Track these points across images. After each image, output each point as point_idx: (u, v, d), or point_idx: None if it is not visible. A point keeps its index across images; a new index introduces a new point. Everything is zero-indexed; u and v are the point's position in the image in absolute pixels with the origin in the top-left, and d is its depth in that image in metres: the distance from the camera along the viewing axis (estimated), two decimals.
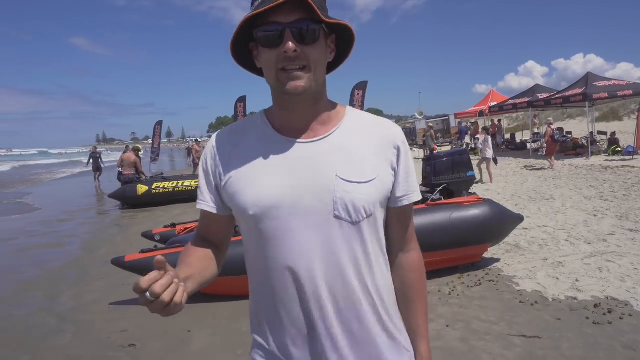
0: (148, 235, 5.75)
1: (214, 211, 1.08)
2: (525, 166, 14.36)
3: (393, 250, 1.13)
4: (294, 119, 1.03)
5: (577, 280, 4.26)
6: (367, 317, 1.01)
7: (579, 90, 15.70)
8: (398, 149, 1.07)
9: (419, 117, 32.00)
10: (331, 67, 1.07)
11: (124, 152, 12.61)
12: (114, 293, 4.79)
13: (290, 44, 0.93)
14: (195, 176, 12.56)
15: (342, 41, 1.04)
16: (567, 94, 16.41)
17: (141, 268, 4.23)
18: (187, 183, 11.71)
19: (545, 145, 13.94)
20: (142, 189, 11.34)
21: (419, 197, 1.11)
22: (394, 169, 1.06)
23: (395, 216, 1.11)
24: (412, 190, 1.09)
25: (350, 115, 1.08)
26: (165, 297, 0.79)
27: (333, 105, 1.08)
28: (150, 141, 20.33)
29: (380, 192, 1.02)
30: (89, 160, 19.12)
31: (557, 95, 17.19)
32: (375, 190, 1.01)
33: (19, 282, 5.51)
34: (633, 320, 3.39)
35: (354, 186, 0.98)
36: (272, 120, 1.06)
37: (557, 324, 3.42)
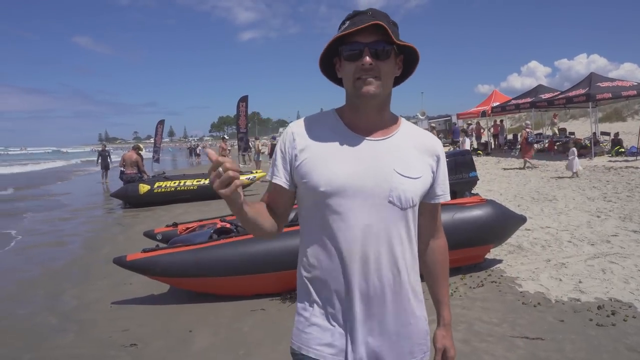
0: (150, 235, 5.76)
1: (285, 186, 1.30)
2: (504, 168, 14.54)
3: (426, 237, 1.41)
4: (363, 120, 1.27)
5: (580, 282, 4.24)
6: (402, 285, 1.25)
7: (582, 91, 15.64)
8: (438, 158, 1.34)
9: (422, 117, 31.97)
10: (398, 81, 1.32)
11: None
12: (116, 292, 4.80)
13: (368, 58, 1.18)
14: (196, 176, 12.57)
15: (408, 60, 1.29)
16: (570, 94, 16.35)
17: (143, 267, 4.24)
18: (189, 182, 11.72)
19: (519, 146, 14.87)
20: (144, 188, 11.35)
21: (449, 199, 1.40)
22: (433, 172, 1.32)
23: (431, 210, 1.38)
24: (447, 191, 1.38)
25: (404, 125, 1.35)
26: (231, 173, 1.01)
27: (393, 115, 1.34)
28: (152, 140, 20.39)
29: (422, 188, 1.29)
30: (98, 158, 19.23)
31: (560, 96, 17.13)
32: (421, 185, 1.28)
33: (22, 281, 5.52)
34: (637, 322, 3.37)
35: (406, 180, 1.24)
36: (344, 118, 1.30)
37: (560, 326, 3.41)
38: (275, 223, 1.31)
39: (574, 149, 11.95)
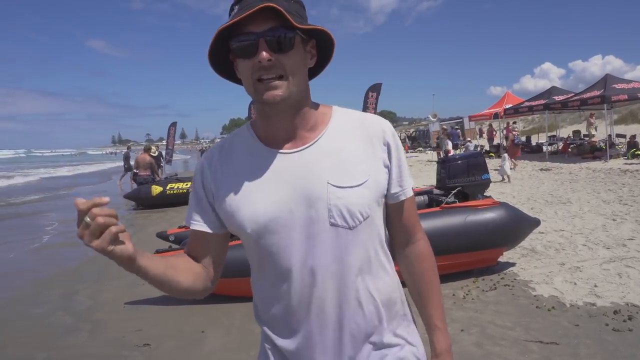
0: (163, 236, 5.79)
1: (207, 230, 1.06)
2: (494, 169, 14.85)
3: (400, 244, 1.13)
4: (279, 128, 1.01)
5: (595, 286, 4.17)
6: (369, 320, 1.02)
7: (597, 93, 15.42)
8: (388, 145, 1.05)
9: (433, 119, 31.83)
10: (315, 71, 1.07)
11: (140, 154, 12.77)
12: (129, 292, 4.84)
13: (264, 53, 0.92)
14: None
15: (324, 45, 1.03)
16: (584, 96, 16.13)
17: None
18: None
19: (507, 148, 16.29)
20: (156, 189, 11.46)
21: (412, 193, 1.11)
22: (386, 166, 1.05)
23: (396, 211, 1.10)
24: (406, 185, 1.09)
25: (337, 117, 1.06)
26: (100, 219, 0.79)
27: (318, 108, 1.06)
28: (164, 142, 20.56)
29: (375, 192, 1.01)
30: (124, 160, 19.24)
31: (574, 98, 16.90)
32: (369, 192, 1.00)
33: (36, 281, 5.61)
34: None
35: (346, 191, 0.98)
36: (259, 132, 1.05)
37: (575, 330, 3.36)
38: (204, 276, 1.06)
39: (506, 154, 12.68)
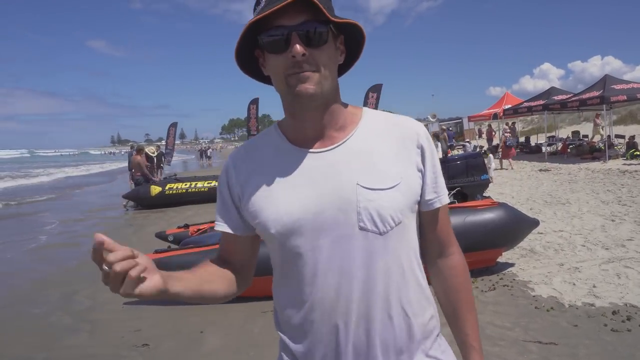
0: (162, 236, 5.81)
1: (233, 232, 1.04)
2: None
3: (432, 256, 1.08)
4: (308, 127, 0.97)
5: (594, 287, 4.18)
6: (399, 336, 0.95)
7: (596, 93, 15.43)
8: (422, 148, 1.00)
9: (432, 119, 31.79)
10: (342, 69, 1.02)
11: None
12: None
13: (298, 47, 0.87)
14: (206, 178, 12.65)
15: (351, 41, 0.99)
16: (584, 96, 16.14)
17: None
18: (199, 184, 11.80)
19: (500, 149, 16.86)
20: (155, 189, 11.47)
21: (447, 201, 1.06)
22: (420, 170, 0.99)
23: (429, 220, 1.05)
24: (442, 192, 1.03)
25: (367, 117, 1.02)
26: (117, 267, 0.74)
27: (348, 108, 1.02)
28: (163, 142, 20.57)
29: (408, 197, 0.96)
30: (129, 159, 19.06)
31: (573, 98, 16.92)
32: (401, 195, 0.94)
33: (36, 281, 5.60)
34: None
35: (377, 194, 0.92)
36: (286, 132, 1.01)
37: (574, 331, 3.36)
38: (233, 280, 1.04)
39: (491, 155, 13.10)
